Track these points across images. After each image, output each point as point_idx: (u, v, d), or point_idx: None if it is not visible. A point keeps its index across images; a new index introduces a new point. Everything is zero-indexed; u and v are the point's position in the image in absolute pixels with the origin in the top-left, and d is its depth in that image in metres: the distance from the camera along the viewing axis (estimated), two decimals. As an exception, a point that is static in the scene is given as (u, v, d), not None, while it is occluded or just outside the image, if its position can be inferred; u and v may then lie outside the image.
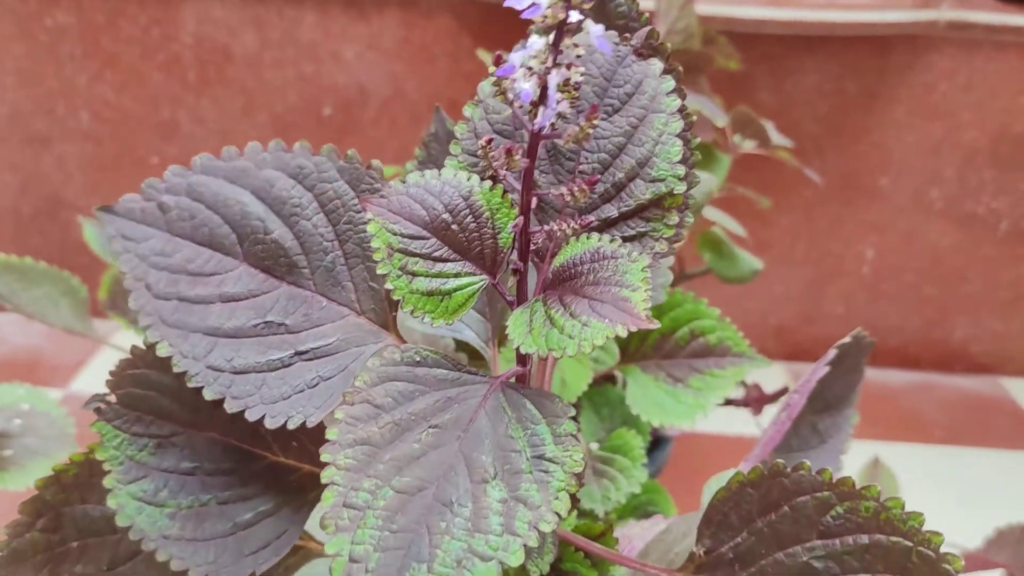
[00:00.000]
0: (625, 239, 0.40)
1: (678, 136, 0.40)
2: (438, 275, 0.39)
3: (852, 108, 1.43)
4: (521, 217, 0.38)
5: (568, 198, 0.37)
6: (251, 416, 0.41)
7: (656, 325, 0.32)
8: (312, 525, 0.47)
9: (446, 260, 0.39)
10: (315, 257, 0.44)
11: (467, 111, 0.42)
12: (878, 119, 1.44)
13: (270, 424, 0.41)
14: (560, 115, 0.35)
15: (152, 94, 1.46)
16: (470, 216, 0.39)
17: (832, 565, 0.37)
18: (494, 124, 0.42)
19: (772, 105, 1.42)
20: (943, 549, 0.36)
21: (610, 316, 0.34)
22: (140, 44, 1.42)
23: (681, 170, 0.40)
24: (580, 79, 0.34)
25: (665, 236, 0.40)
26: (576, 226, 0.37)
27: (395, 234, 0.39)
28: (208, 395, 0.41)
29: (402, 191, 0.39)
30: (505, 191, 0.39)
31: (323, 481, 0.34)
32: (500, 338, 0.49)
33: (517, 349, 0.36)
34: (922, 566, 0.35)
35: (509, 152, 0.36)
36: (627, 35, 0.41)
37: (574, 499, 0.46)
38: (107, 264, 1.05)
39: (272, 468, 0.47)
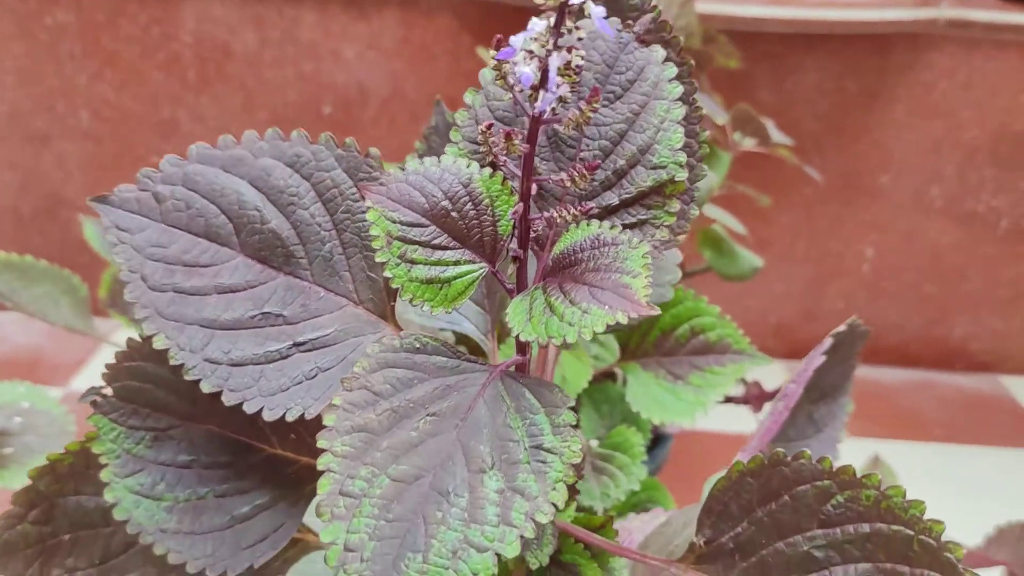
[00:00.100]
0: (626, 226, 0.40)
1: (681, 124, 0.40)
2: (437, 263, 0.39)
3: (852, 107, 1.43)
4: (521, 204, 0.38)
5: (568, 184, 0.36)
6: (249, 408, 0.41)
7: (656, 312, 0.32)
8: (310, 518, 0.47)
9: (445, 248, 0.39)
10: (312, 247, 0.43)
11: (468, 98, 0.42)
12: (878, 118, 1.44)
13: (268, 416, 0.41)
14: (561, 99, 0.35)
15: (152, 93, 1.46)
16: (470, 203, 0.39)
17: (833, 554, 0.37)
18: (495, 111, 0.42)
19: (772, 104, 1.41)
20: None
21: (610, 303, 0.34)
22: (140, 43, 1.42)
23: (682, 157, 0.39)
24: (581, 63, 0.34)
25: (666, 224, 0.40)
26: (576, 213, 0.37)
27: (394, 222, 0.38)
28: (206, 388, 0.41)
29: (401, 179, 0.39)
30: (505, 178, 0.39)
31: (319, 468, 0.33)
32: (500, 331, 0.49)
33: (517, 337, 0.36)
34: (923, 554, 0.35)
35: (509, 137, 0.36)
36: (630, 22, 0.41)
37: (573, 490, 0.46)
38: (107, 262, 1.05)
39: (270, 460, 0.47)
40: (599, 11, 0.34)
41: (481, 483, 0.34)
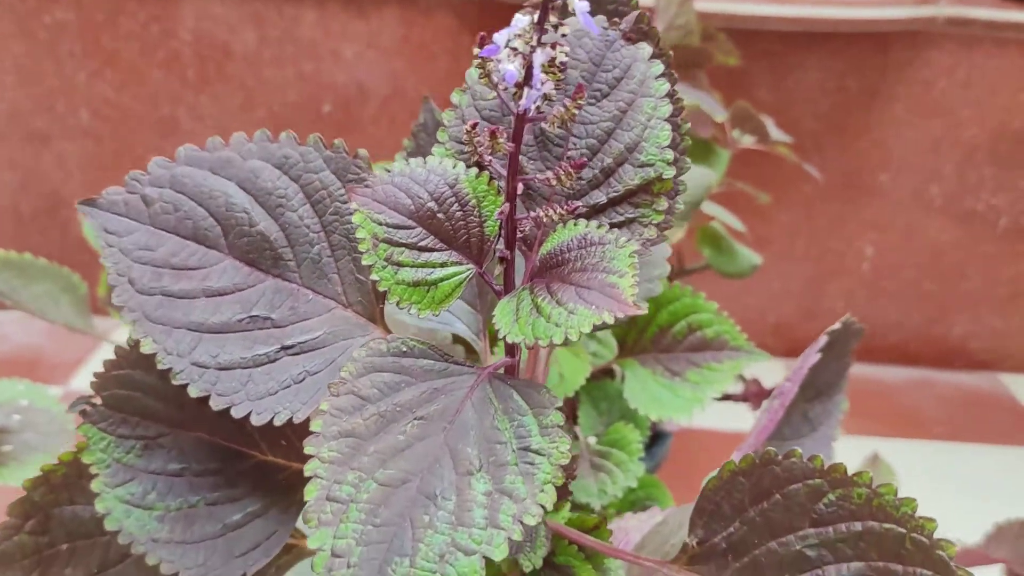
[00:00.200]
0: (614, 225, 0.40)
1: (667, 120, 0.39)
2: (424, 265, 0.38)
3: (852, 105, 1.43)
4: (507, 204, 0.38)
5: (555, 182, 0.36)
6: (237, 413, 0.40)
7: (644, 310, 0.32)
8: (303, 523, 0.47)
9: (432, 250, 0.39)
10: (301, 249, 0.43)
11: (455, 98, 0.42)
12: (878, 116, 1.43)
13: (256, 421, 0.40)
14: (546, 97, 0.35)
15: (152, 92, 1.46)
16: (456, 204, 0.39)
17: (825, 553, 0.36)
18: (482, 110, 0.41)
19: (771, 101, 1.41)
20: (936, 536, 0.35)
21: (597, 303, 0.34)
22: (139, 41, 1.42)
23: (670, 155, 0.39)
24: (565, 59, 0.34)
25: (654, 222, 0.39)
26: (563, 212, 0.37)
27: (380, 224, 0.38)
28: (193, 392, 0.40)
29: (387, 180, 0.39)
30: (492, 178, 0.39)
31: (306, 474, 0.33)
32: (492, 332, 0.48)
33: (504, 339, 0.36)
34: (916, 552, 0.35)
35: (493, 135, 0.35)
36: (616, 19, 0.41)
37: (564, 491, 0.46)
38: (105, 262, 1.05)
39: (260, 467, 0.47)
40: (583, 6, 0.34)
41: (469, 486, 0.33)
